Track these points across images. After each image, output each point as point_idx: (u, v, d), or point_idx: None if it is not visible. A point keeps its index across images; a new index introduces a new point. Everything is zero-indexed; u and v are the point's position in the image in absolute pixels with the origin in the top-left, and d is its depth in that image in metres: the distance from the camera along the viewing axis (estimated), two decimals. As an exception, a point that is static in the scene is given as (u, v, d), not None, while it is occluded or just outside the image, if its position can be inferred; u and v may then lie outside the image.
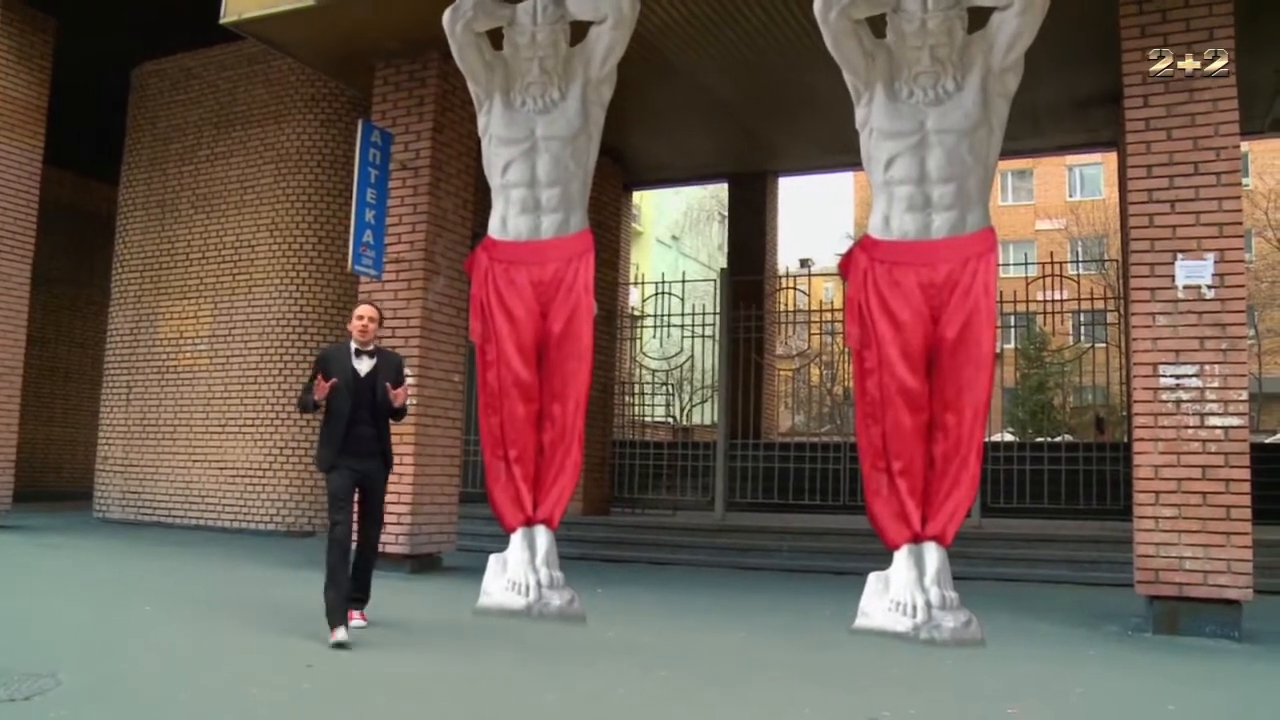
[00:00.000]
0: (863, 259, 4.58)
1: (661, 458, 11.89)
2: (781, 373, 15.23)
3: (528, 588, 4.96)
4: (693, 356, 11.61)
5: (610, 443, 11.75)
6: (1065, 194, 34.42)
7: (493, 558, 5.13)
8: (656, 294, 11.39)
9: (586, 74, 5.22)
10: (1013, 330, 12.96)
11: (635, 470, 11.53)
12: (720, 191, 26.96)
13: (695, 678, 4.46)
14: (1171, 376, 5.78)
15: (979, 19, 4.55)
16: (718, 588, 7.74)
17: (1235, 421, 5.66)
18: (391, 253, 8.07)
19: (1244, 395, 5.71)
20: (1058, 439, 15.18)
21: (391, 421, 5.38)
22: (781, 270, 14.67)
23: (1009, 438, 16.10)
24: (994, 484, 9.83)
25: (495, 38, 5.40)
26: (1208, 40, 5.88)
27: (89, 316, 15.53)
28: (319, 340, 10.81)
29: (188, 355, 11.60)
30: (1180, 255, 5.84)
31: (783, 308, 13.80)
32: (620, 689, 4.23)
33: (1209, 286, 5.77)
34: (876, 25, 4.66)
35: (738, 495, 11.13)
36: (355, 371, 5.15)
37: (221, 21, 8.01)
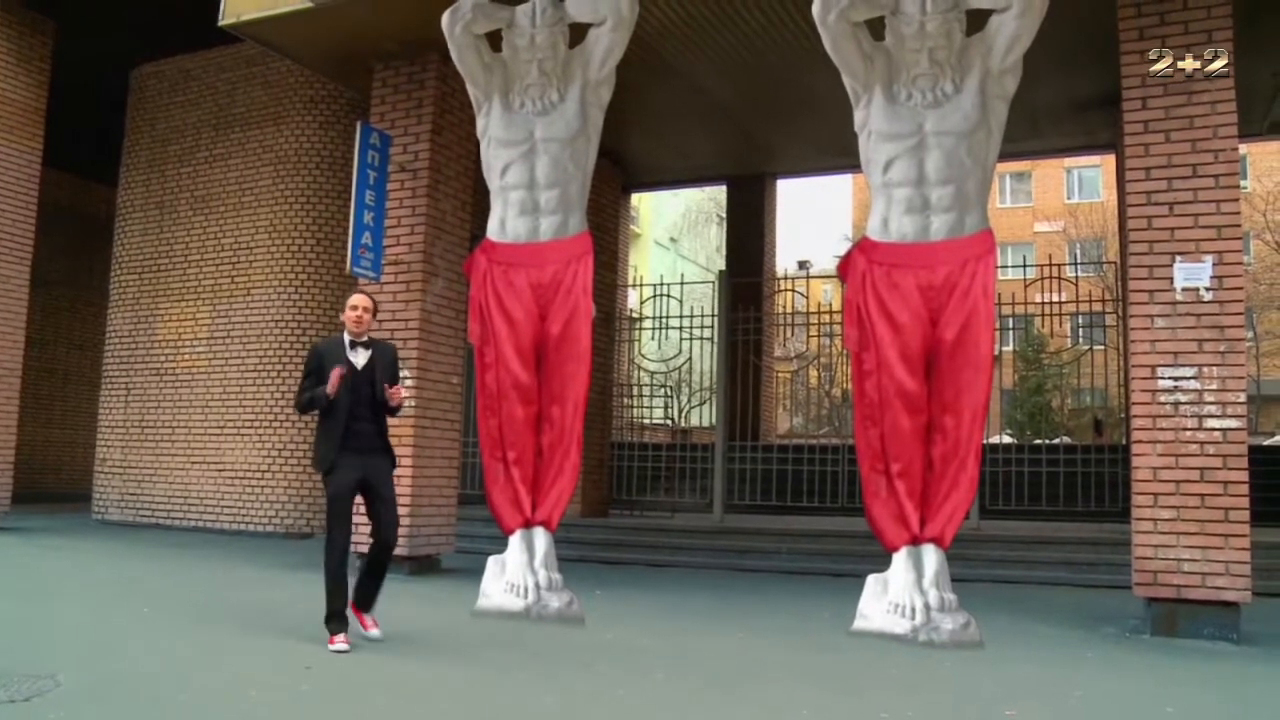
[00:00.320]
0: (861, 261, 4.59)
1: (660, 460, 11.88)
2: (780, 375, 15.21)
3: (526, 589, 4.96)
4: (691, 358, 11.59)
5: (609, 445, 11.73)
6: (1064, 196, 34.43)
7: (491, 559, 5.12)
8: (655, 296, 11.40)
9: (585, 76, 5.23)
10: (1011, 332, 12.94)
11: (634, 472, 11.52)
12: (719, 193, 26.92)
13: (694, 680, 4.46)
14: (1170, 379, 5.78)
15: (977, 21, 4.56)
16: (716, 590, 7.73)
17: (1234, 424, 5.66)
18: (390, 254, 8.06)
19: (1242, 398, 5.71)
20: (1056, 441, 15.17)
21: (388, 416, 5.26)
22: (780, 272, 14.70)
23: (1007, 440, 16.11)
24: (992, 486, 9.83)
25: (494, 40, 5.41)
26: (1206, 43, 5.88)
27: (88, 318, 15.50)
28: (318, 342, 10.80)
29: (186, 357, 11.60)
30: (1179, 257, 5.84)
31: (781, 310, 13.79)
32: (619, 691, 4.23)
33: (1207, 289, 5.77)
34: (875, 28, 4.66)
35: (736, 497, 11.11)
36: (352, 364, 4.95)
37: (220, 23, 8.01)
